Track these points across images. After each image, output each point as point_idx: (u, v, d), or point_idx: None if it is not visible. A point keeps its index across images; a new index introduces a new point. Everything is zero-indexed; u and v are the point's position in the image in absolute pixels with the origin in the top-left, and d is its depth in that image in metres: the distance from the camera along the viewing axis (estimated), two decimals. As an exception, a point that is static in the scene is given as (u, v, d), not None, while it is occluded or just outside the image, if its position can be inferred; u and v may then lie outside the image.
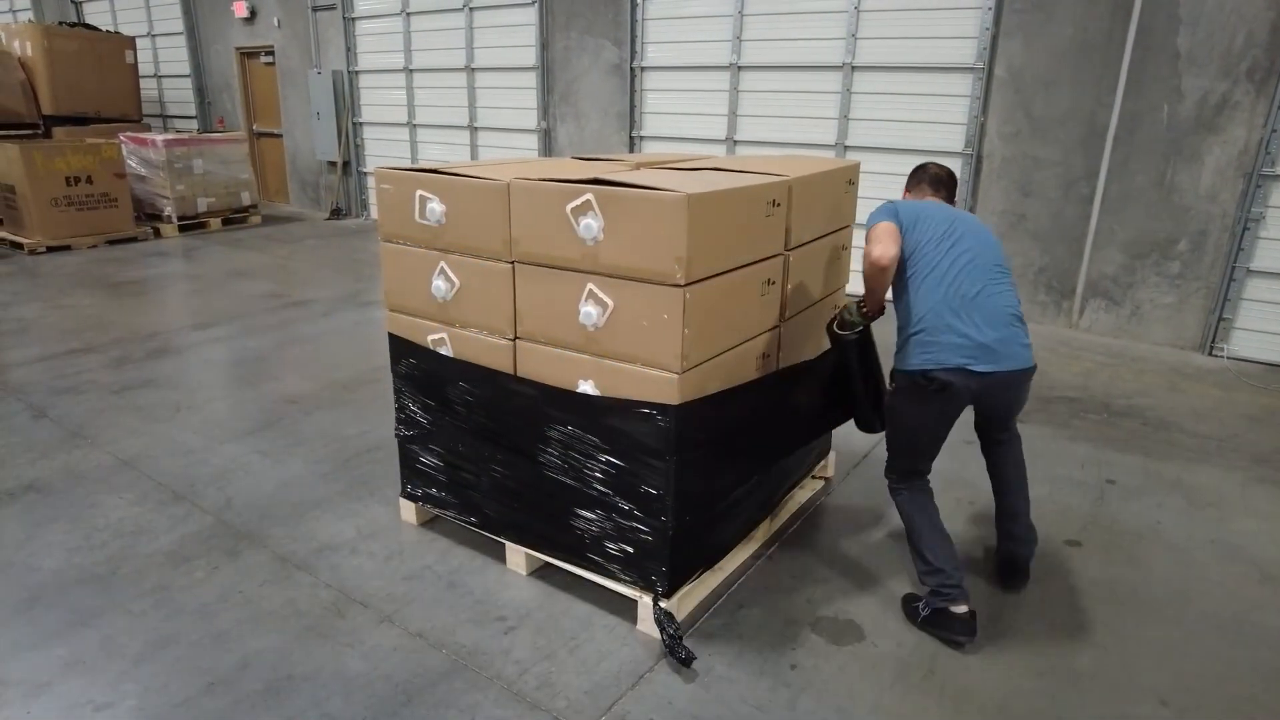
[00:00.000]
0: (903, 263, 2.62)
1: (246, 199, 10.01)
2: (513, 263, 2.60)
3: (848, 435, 4.04)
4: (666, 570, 2.56)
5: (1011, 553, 2.86)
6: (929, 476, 2.74)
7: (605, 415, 2.51)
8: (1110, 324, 5.93)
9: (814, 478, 3.57)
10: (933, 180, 2.95)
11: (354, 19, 10.04)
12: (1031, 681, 2.45)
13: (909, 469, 2.71)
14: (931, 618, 2.61)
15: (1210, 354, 5.55)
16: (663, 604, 2.57)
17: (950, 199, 2.94)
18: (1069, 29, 5.64)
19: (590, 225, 2.37)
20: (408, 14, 9.46)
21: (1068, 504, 3.51)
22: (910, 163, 6.29)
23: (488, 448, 2.85)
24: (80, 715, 2.26)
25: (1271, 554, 3.15)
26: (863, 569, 3.02)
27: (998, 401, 2.67)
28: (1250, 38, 5.07)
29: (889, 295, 2.71)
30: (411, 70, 9.71)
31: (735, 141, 7.37)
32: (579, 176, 2.51)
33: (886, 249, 2.55)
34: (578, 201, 2.38)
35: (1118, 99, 5.53)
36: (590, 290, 2.44)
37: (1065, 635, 2.67)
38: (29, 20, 13.14)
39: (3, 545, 3.08)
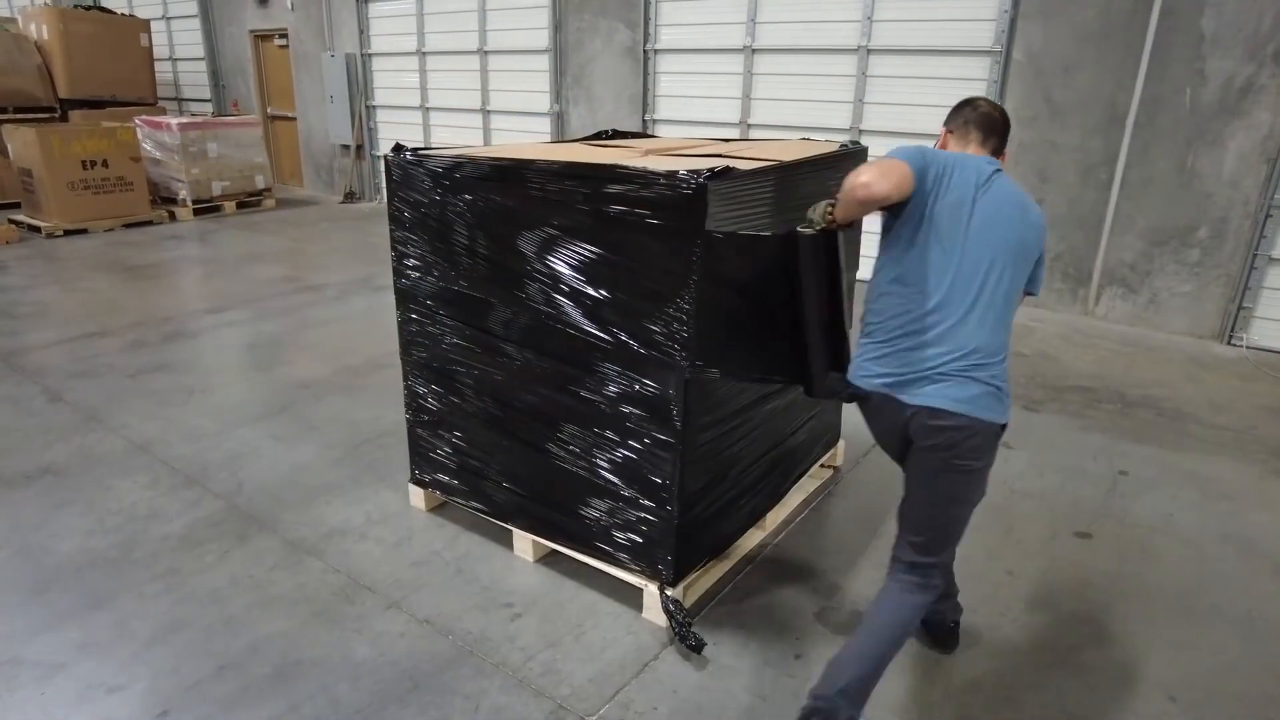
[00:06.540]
0: (894, 227, 2.07)
1: (261, 182, 10.04)
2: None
3: (858, 425, 4.02)
4: (673, 559, 2.56)
5: (939, 615, 2.45)
6: (921, 569, 2.11)
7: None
8: (1127, 312, 5.85)
9: (822, 466, 3.56)
10: (982, 121, 2.22)
11: (367, 1, 10.00)
12: (1038, 674, 2.44)
13: (899, 534, 2.16)
14: None
15: (1229, 343, 5.47)
16: (669, 592, 2.58)
17: (1000, 148, 2.25)
18: (1090, 11, 5.53)
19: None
20: (420, -4, 9.43)
21: (1079, 495, 3.48)
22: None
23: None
24: (93, 697, 2.29)
25: (1286, 548, 3.12)
26: (869, 559, 3.01)
27: (937, 455, 1.99)
28: (1278, 20, 4.95)
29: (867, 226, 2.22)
30: (424, 53, 9.68)
31: (749, 125, 7.29)
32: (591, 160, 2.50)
33: (878, 184, 1.93)
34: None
35: (1139, 83, 5.42)
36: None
37: (1073, 628, 2.65)
38: (45, 3, 13.18)
39: (19, 527, 3.12)
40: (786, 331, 2.40)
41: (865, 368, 2.09)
